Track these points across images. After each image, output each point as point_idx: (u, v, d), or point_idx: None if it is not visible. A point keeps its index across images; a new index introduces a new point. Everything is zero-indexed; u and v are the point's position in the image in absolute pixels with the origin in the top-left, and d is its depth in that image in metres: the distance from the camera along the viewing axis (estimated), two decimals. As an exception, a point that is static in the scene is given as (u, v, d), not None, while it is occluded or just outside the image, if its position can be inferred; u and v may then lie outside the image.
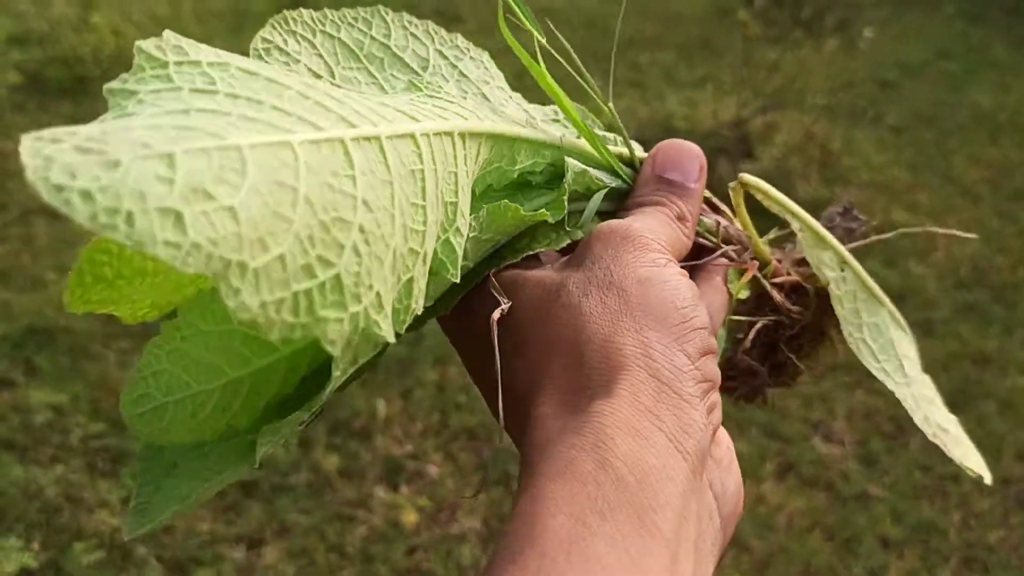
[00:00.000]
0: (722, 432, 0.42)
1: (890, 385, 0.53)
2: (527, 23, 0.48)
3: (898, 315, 0.54)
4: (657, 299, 0.41)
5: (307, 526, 1.97)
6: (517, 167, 0.47)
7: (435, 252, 0.40)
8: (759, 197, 0.53)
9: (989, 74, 4.09)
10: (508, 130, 0.47)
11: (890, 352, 0.54)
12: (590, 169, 0.48)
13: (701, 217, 0.51)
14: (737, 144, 3.15)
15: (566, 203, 0.46)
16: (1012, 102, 3.85)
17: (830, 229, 0.56)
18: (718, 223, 0.52)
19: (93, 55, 3.51)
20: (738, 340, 0.55)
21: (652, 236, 0.44)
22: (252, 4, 4.31)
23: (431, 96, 0.45)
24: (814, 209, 2.26)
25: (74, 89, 3.48)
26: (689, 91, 3.77)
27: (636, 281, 0.41)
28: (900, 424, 2.31)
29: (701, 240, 0.51)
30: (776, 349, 0.54)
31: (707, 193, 0.53)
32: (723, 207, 0.54)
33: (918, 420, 0.53)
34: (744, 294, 0.53)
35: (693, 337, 0.40)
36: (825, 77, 3.45)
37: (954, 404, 2.31)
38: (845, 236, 0.57)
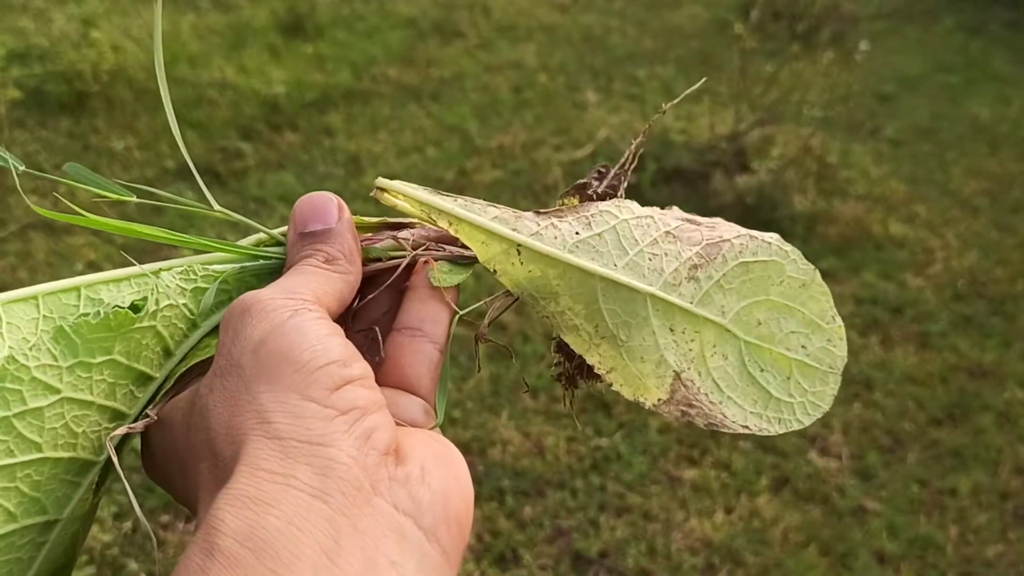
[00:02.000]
0: (413, 445, 0.42)
1: (595, 361, 0.50)
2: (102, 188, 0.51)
3: (618, 276, 0.49)
4: (271, 359, 0.41)
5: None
6: (105, 306, 0.47)
7: None
8: (400, 200, 0.52)
9: (988, 86, 4.09)
10: (70, 283, 0.48)
11: (599, 321, 0.50)
12: (206, 265, 0.50)
13: (375, 244, 0.52)
14: (734, 157, 3.15)
15: (154, 302, 0.47)
16: (1011, 114, 3.85)
17: (596, 193, 0.53)
18: (395, 237, 0.52)
19: (93, 71, 3.52)
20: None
21: (280, 294, 0.44)
22: (251, 20, 4.33)
23: None
24: (809, 224, 2.26)
25: (74, 105, 3.50)
26: (686, 105, 3.77)
27: (251, 351, 0.41)
28: (897, 438, 2.29)
29: (392, 262, 0.51)
30: None
31: (385, 218, 0.53)
32: (413, 220, 0.53)
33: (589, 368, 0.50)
34: (453, 281, 0.51)
35: (318, 377, 0.40)
36: (822, 90, 3.45)
37: (951, 417, 2.29)
38: (578, 191, 0.54)
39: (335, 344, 0.42)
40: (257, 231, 0.53)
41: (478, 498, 2.09)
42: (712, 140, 3.21)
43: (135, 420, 0.47)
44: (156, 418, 0.45)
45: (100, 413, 0.45)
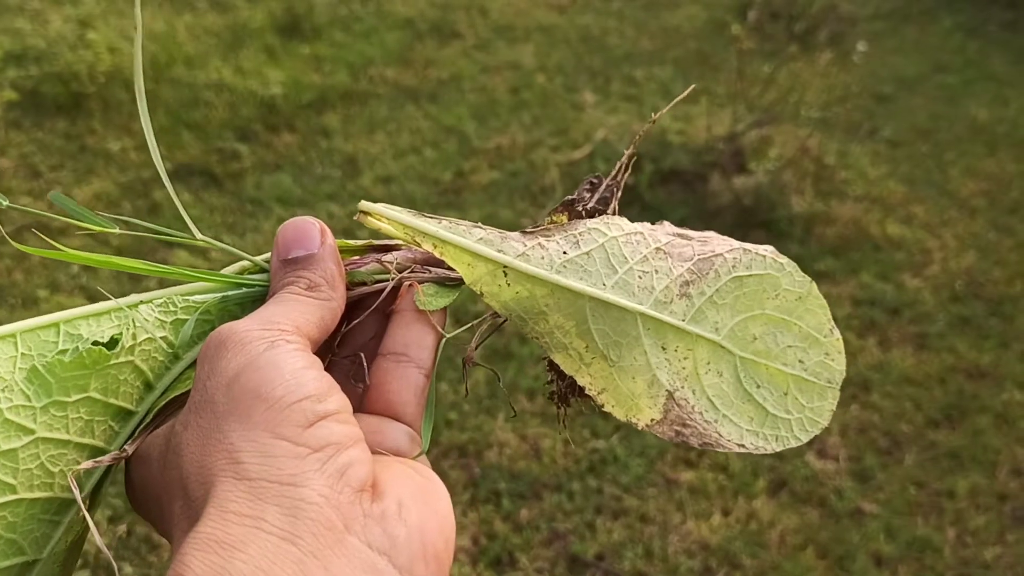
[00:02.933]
0: (392, 480, 0.41)
1: (585, 382, 0.50)
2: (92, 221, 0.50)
3: (607, 296, 0.49)
4: (244, 395, 0.40)
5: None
6: (84, 341, 0.47)
7: None
8: (384, 223, 0.51)
9: (987, 87, 4.08)
10: (48, 320, 0.47)
11: (589, 342, 0.49)
12: (186, 296, 0.49)
13: (359, 268, 0.51)
14: (731, 158, 3.15)
15: (130, 336, 0.47)
16: (1010, 115, 3.84)
17: (585, 210, 0.52)
18: (379, 260, 0.51)
19: (89, 72, 3.52)
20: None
21: (257, 325, 0.43)
22: (248, 21, 4.33)
23: None
24: (807, 225, 2.25)
25: (70, 106, 3.49)
26: (684, 105, 3.77)
27: (225, 387, 0.41)
28: (895, 439, 2.29)
29: (377, 286, 0.51)
30: None
31: (367, 241, 0.53)
32: (399, 242, 0.52)
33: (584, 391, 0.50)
34: (440, 304, 0.51)
35: (290, 414, 0.39)
36: (820, 91, 3.45)
37: (949, 418, 2.28)
38: (567, 207, 0.53)
39: (310, 378, 0.41)
40: (241, 258, 0.52)
41: (475, 500, 2.08)
42: (709, 141, 3.21)
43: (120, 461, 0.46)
44: (129, 453, 0.45)
45: (78, 451, 0.45)
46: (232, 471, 0.38)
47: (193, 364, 0.48)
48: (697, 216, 2.98)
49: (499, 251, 0.49)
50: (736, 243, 0.50)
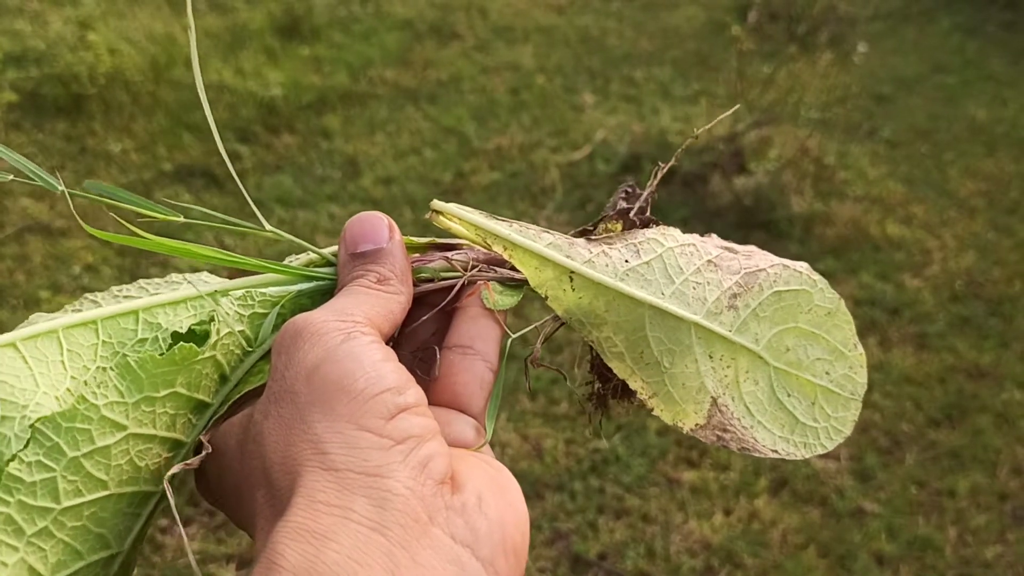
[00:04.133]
0: (469, 472, 0.42)
1: (636, 386, 0.51)
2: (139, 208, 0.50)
3: (666, 305, 0.50)
4: (325, 386, 0.40)
5: (297, 545, 1.95)
6: (163, 331, 0.47)
7: None
8: (454, 223, 0.52)
9: (985, 87, 4.09)
10: (126, 307, 0.48)
11: (644, 348, 0.50)
12: (262, 289, 0.50)
13: (428, 265, 0.52)
14: (731, 158, 3.15)
15: (215, 332, 0.47)
16: (1008, 115, 3.85)
17: (622, 217, 0.54)
18: (447, 258, 0.52)
19: (89, 73, 3.52)
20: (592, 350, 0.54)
21: (332, 316, 0.44)
22: (248, 23, 4.33)
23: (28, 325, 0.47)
24: (806, 226, 2.26)
25: (70, 107, 3.49)
26: (684, 106, 3.77)
27: (305, 377, 0.41)
28: (896, 439, 2.29)
29: (442, 283, 0.51)
30: None
31: (434, 239, 0.53)
32: (461, 241, 0.53)
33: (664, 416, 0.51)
34: (508, 304, 0.51)
35: (373, 406, 0.40)
36: (819, 91, 3.45)
37: (949, 418, 2.29)
38: (621, 216, 0.54)
39: (389, 370, 0.42)
40: (308, 250, 0.53)
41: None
42: (710, 141, 3.21)
43: (191, 447, 0.47)
44: (211, 450, 0.45)
45: (161, 445, 0.45)
46: (318, 461, 0.38)
47: (265, 356, 0.49)
48: (697, 216, 2.99)
49: (567, 256, 0.51)
50: (776, 258, 0.53)
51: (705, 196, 3.05)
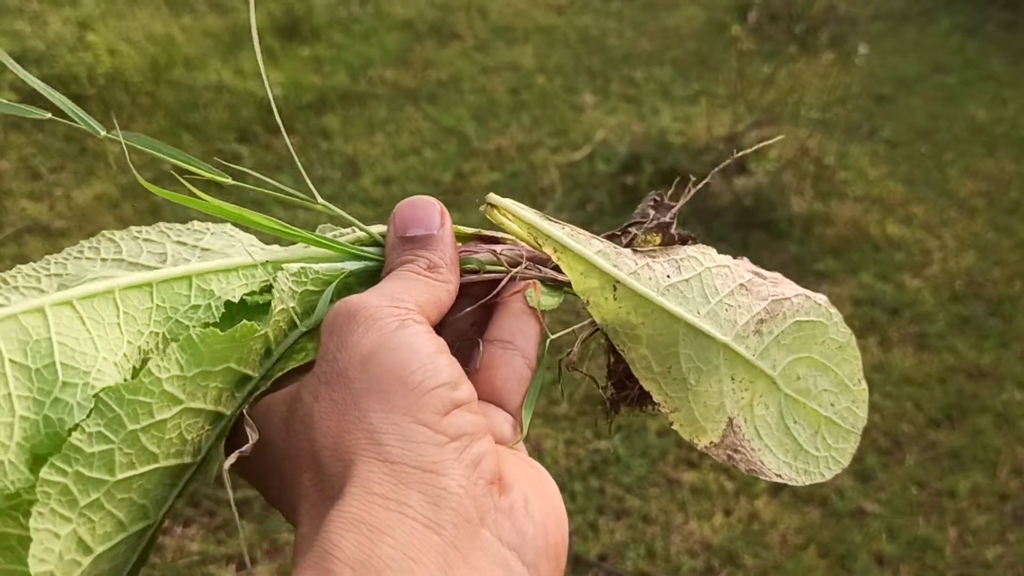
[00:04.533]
0: (515, 475, 0.41)
1: (660, 399, 0.52)
2: (194, 168, 0.50)
3: (701, 324, 0.51)
4: (382, 375, 0.40)
5: (297, 545, 1.95)
6: (216, 299, 0.47)
7: (45, 417, 0.40)
8: (508, 218, 0.52)
9: (985, 87, 4.09)
10: (182, 271, 0.47)
11: (674, 364, 0.51)
12: (315, 266, 0.49)
13: (475, 256, 0.51)
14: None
15: (273, 309, 0.47)
16: (1008, 115, 3.85)
17: (662, 231, 0.54)
18: (494, 252, 0.52)
19: (89, 74, 3.52)
20: (611, 350, 0.54)
21: (386, 301, 0.43)
22: (247, 23, 4.32)
23: (74, 281, 0.46)
24: (806, 226, 2.25)
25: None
26: (684, 106, 3.77)
27: (360, 363, 0.40)
28: (896, 439, 2.29)
29: (488, 276, 0.51)
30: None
31: (481, 230, 0.53)
32: (505, 235, 0.53)
33: (685, 435, 0.52)
34: (550, 304, 0.51)
35: (429, 400, 0.39)
36: (820, 91, 3.45)
37: (949, 418, 2.29)
38: (661, 229, 0.54)
39: (444, 364, 0.41)
40: (355, 227, 0.52)
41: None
42: (710, 141, 3.21)
43: (230, 420, 0.46)
44: (259, 436, 0.44)
45: (207, 418, 0.45)
46: (374, 452, 0.38)
47: (308, 333, 0.48)
48: (698, 217, 2.98)
49: (614, 265, 0.51)
50: (799, 288, 0.54)
51: (705, 196, 3.05)
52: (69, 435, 0.40)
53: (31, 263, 0.46)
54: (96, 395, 0.41)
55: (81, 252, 0.48)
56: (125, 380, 0.42)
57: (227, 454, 0.47)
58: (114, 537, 0.42)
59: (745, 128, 3.24)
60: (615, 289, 0.51)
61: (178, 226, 0.51)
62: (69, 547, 0.40)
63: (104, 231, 0.49)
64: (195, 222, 0.52)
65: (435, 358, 0.41)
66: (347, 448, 0.38)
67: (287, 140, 0.52)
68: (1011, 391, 2.44)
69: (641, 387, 0.52)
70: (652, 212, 0.55)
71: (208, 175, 0.49)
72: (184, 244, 0.51)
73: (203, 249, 0.50)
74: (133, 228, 0.50)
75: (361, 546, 0.34)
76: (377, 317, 0.42)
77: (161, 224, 0.51)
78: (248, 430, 0.44)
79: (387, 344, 0.41)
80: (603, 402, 0.55)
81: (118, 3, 4.37)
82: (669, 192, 0.56)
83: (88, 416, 0.40)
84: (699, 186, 0.56)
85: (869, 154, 3.50)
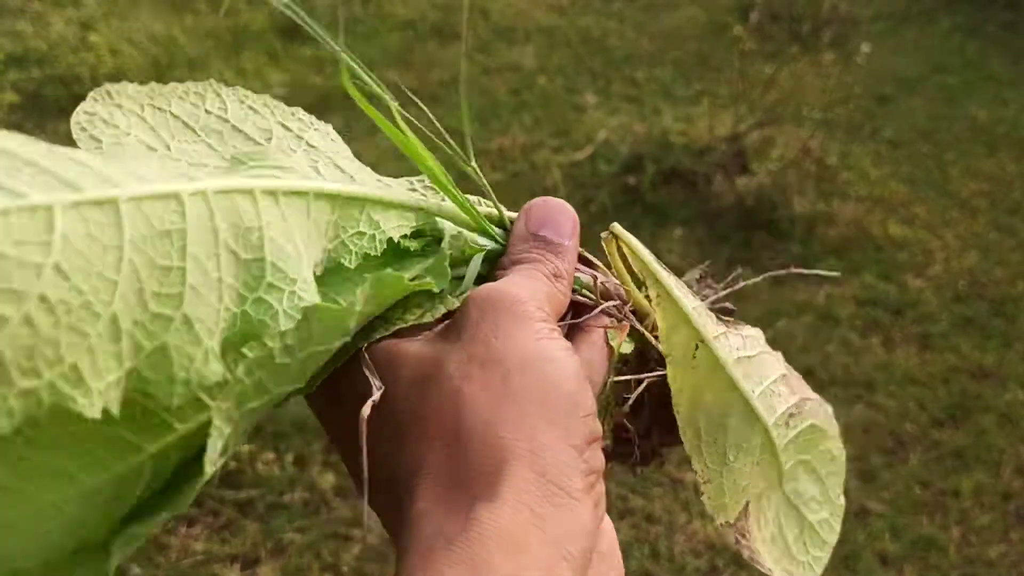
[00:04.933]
0: (604, 520, 0.41)
1: (697, 466, 0.52)
2: (380, 93, 0.48)
3: (754, 402, 0.51)
4: (542, 383, 0.39)
5: (302, 545, 1.95)
6: (381, 232, 0.45)
7: (244, 313, 0.37)
8: (621, 251, 0.52)
9: (986, 88, 4.09)
10: (358, 191, 0.45)
11: (720, 435, 0.51)
12: (464, 232, 0.48)
13: (577, 274, 0.50)
14: (733, 159, 3.15)
15: (447, 269, 0.45)
16: (1010, 115, 3.85)
17: (720, 310, 0.55)
18: (595, 278, 0.51)
19: (91, 74, 3.52)
20: (626, 400, 0.53)
21: (533, 301, 0.42)
22: (249, 23, 4.33)
23: (258, 162, 0.42)
24: (808, 226, 2.26)
25: (71, 108, 3.42)
26: (686, 107, 3.77)
27: (519, 360, 0.39)
28: (899, 439, 2.29)
29: (578, 298, 0.50)
30: (667, 404, 0.52)
31: (580, 250, 0.52)
32: (598, 262, 0.53)
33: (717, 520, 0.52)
34: (627, 349, 0.51)
35: (580, 426, 0.39)
36: (822, 92, 3.46)
37: (953, 418, 2.29)
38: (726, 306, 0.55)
39: (587, 390, 0.40)
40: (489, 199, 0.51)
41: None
42: (711, 142, 3.21)
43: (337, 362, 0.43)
44: (383, 388, 0.42)
45: (337, 354, 0.42)
46: (530, 460, 0.36)
47: (415, 294, 0.45)
48: (699, 217, 2.99)
49: (703, 325, 0.50)
50: (813, 392, 0.55)
51: (707, 197, 3.05)
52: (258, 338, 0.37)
53: (140, 91, 0.43)
54: (304, 308, 0.38)
55: (187, 93, 0.46)
56: (323, 300, 0.40)
57: (313, 398, 0.45)
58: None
59: (747, 128, 3.24)
60: (697, 348, 0.50)
61: (283, 107, 0.49)
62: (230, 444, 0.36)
63: (211, 80, 0.46)
64: (299, 109, 0.49)
65: (584, 383, 0.40)
66: (502, 443, 0.37)
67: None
68: (1014, 391, 2.44)
69: (654, 446, 0.53)
70: (695, 285, 0.55)
71: (384, 94, 0.48)
72: (288, 130, 0.49)
73: (308, 144, 0.49)
74: (240, 88, 0.48)
75: (511, 569, 0.33)
76: (532, 318, 0.41)
77: (267, 97, 0.48)
78: (370, 376, 0.41)
79: (544, 353, 0.40)
80: (636, 454, 0.55)
81: (120, 4, 4.37)
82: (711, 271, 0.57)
83: (293, 328, 0.37)
84: (743, 282, 0.57)
85: (871, 154, 3.50)
